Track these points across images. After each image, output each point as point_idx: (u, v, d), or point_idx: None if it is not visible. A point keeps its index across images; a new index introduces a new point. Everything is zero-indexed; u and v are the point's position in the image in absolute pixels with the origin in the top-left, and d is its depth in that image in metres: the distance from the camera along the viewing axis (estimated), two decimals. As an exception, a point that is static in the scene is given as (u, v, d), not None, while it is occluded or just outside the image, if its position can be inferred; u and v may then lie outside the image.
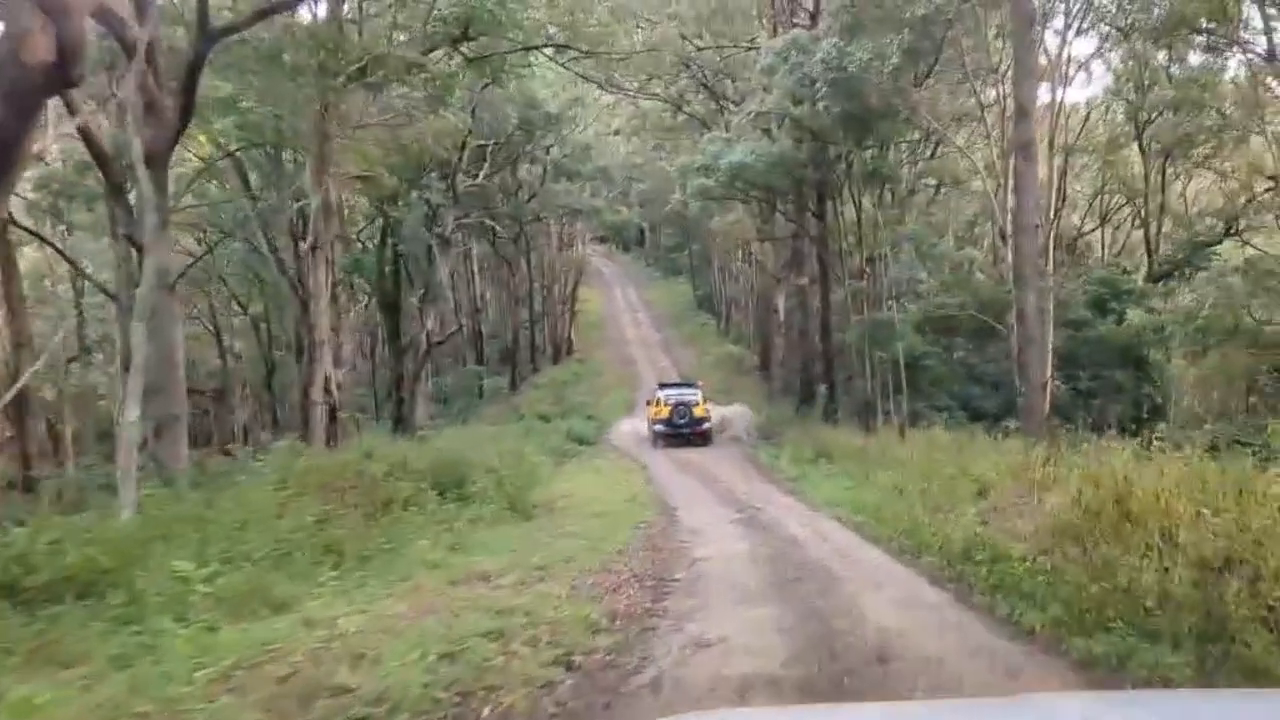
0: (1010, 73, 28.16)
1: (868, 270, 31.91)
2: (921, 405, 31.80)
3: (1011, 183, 28.17)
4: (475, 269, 56.80)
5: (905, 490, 16.94)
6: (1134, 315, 32.11)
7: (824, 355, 34.23)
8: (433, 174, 35.77)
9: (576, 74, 36.93)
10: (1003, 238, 28.40)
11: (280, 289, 32.64)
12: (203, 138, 23.76)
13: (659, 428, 31.83)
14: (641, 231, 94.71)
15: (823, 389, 33.39)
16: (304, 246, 25.00)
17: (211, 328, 44.51)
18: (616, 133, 51.52)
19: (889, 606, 9.00)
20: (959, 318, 30.73)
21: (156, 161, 19.18)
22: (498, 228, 47.94)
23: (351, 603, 9.51)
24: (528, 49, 25.94)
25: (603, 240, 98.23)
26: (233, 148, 22.06)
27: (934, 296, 31.44)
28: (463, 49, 24.85)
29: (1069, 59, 33.35)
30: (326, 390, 24.65)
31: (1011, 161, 25.14)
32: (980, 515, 12.43)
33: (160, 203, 19.45)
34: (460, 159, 33.87)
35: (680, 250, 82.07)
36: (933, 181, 39.05)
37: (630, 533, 14.62)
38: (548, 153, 46.61)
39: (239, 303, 42.70)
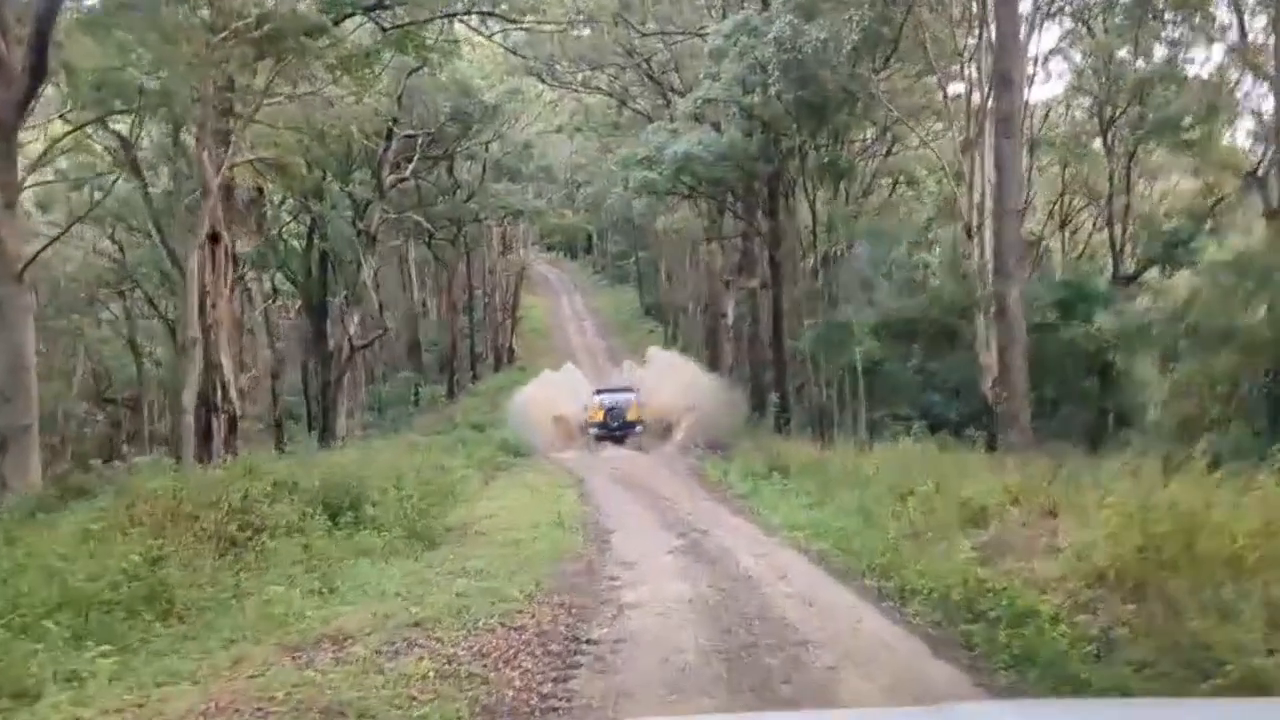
0: (975, 55, 25.93)
1: (822, 271, 29.43)
2: (880, 414, 29.38)
3: (974, 174, 25.93)
4: (413, 273, 53.74)
5: (874, 513, 14.41)
6: (1102, 319, 29.93)
7: (776, 362, 31.71)
8: (360, 168, 32.89)
9: (512, 53, 34.15)
10: (968, 233, 26.02)
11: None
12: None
13: (594, 430, 32.28)
14: (589, 238, 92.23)
15: (774, 398, 30.85)
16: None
17: (125, 332, 41.05)
18: (559, 130, 48.77)
19: (885, 698, 6.33)
20: (918, 321, 28.29)
21: (2, 128, 16.20)
22: (433, 229, 45.00)
23: (130, 689, 6.68)
24: (449, 16, 23.14)
25: (550, 248, 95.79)
26: (101, 115, 19.06)
27: (891, 300, 28.94)
28: (379, 18, 21.99)
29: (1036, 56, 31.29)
30: (225, 397, 21.70)
31: (981, 148, 22.79)
32: (979, 550, 9.83)
33: (7, 178, 16.44)
34: (386, 150, 31.02)
35: (628, 258, 79.53)
36: (888, 181, 36.73)
37: (549, 568, 11.85)
38: (486, 149, 43.80)
39: (151, 303, 39.33)
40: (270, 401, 35.50)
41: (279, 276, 39.74)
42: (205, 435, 21.56)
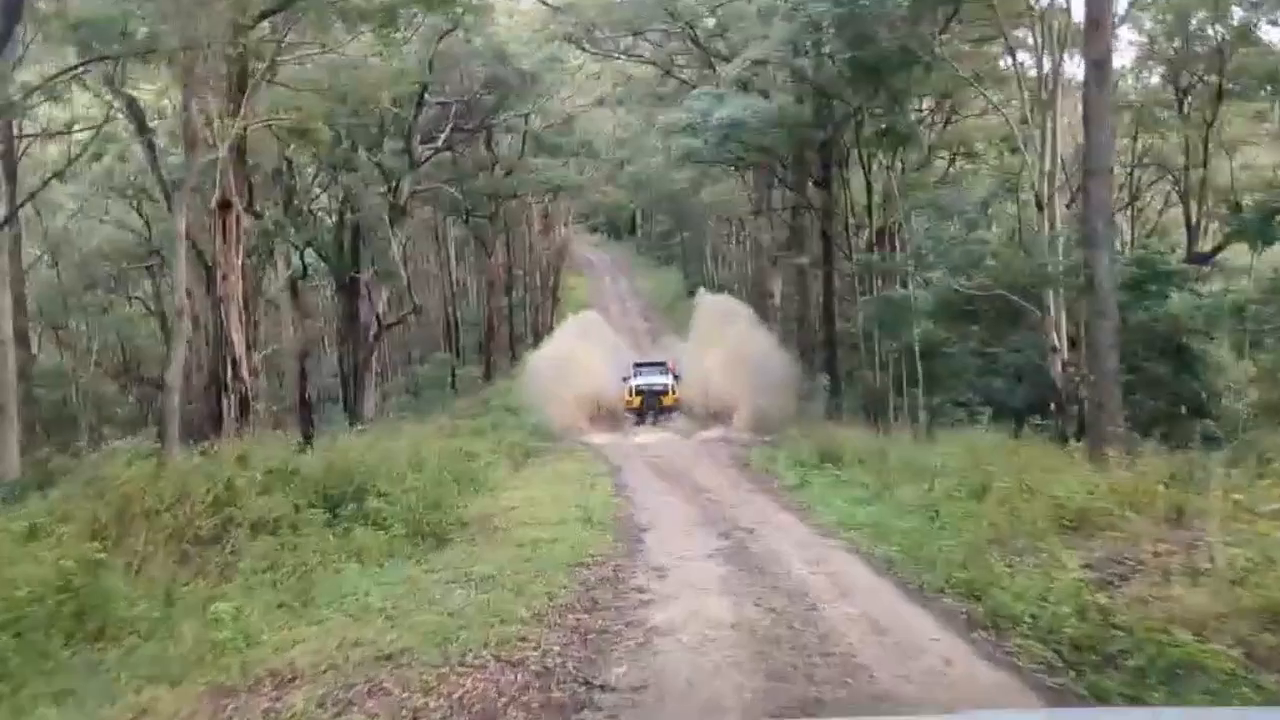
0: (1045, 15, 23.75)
1: (877, 247, 27.34)
2: (937, 400, 27.31)
3: (1045, 142, 23.75)
4: (451, 251, 52.21)
5: (944, 513, 12.52)
6: (1179, 299, 27.60)
7: (826, 343, 29.70)
8: (391, 137, 31.23)
9: (546, 3, 32.22)
10: (1038, 205, 23.85)
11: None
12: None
13: (630, 415, 30.96)
14: (633, 219, 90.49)
15: (824, 381, 28.83)
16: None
17: (154, 308, 39.86)
18: (600, 102, 46.90)
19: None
20: (979, 300, 26.07)
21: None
22: (470, 206, 43.33)
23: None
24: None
25: (594, 230, 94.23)
26: (85, 62, 17.42)
27: (951, 278, 26.72)
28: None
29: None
30: (236, 375, 20.14)
31: (1053, 113, 20.62)
32: (1091, 569, 7.89)
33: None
34: (416, 117, 29.32)
35: (672, 238, 77.60)
36: (946, 154, 34.47)
37: (567, 576, 10.05)
38: (526, 122, 42.02)
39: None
40: (299, 382, 34.03)
41: (310, 254, 38.43)
42: (215, 417, 20.05)
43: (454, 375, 46.20)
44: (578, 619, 8.25)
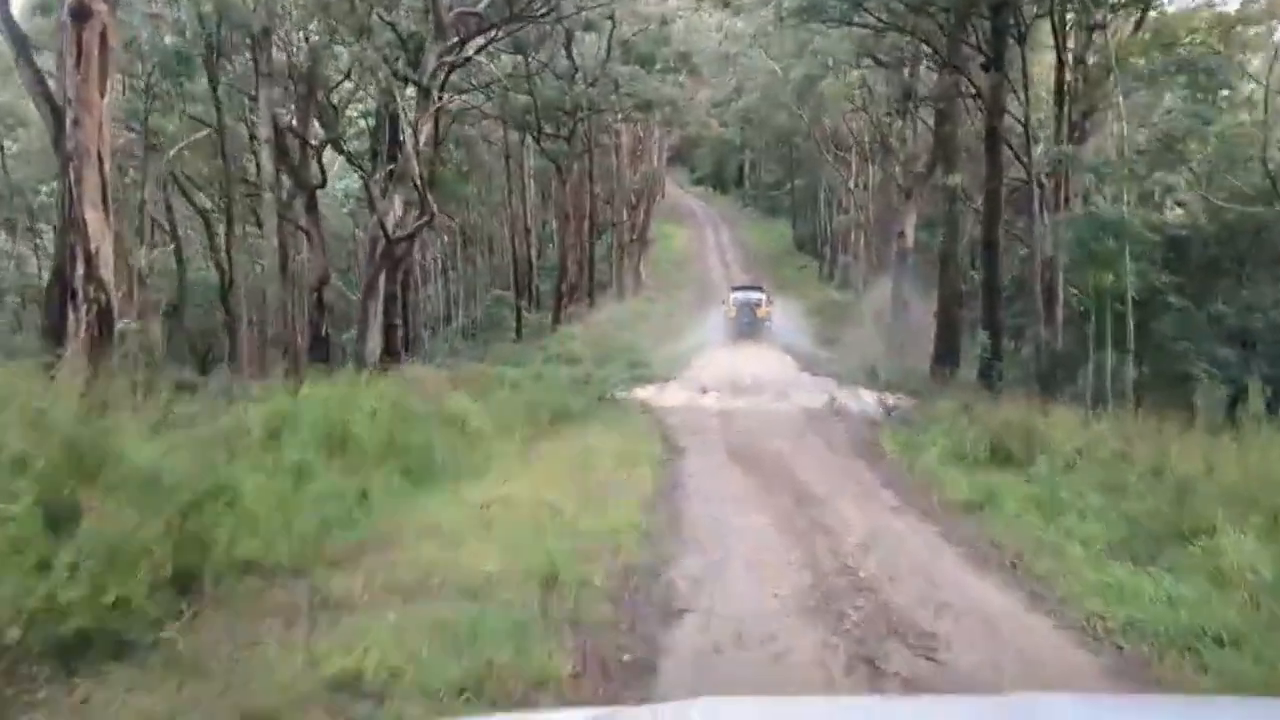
0: None
1: (1071, 146, 18.66)
2: (1149, 370, 18.75)
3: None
4: (529, 182, 44.59)
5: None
6: None
7: (986, 287, 21.14)
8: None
9: None
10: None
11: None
12: None
13: (729, 325, 33.55)
14: (740, 170, 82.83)
15: (984, 339, 20.27)
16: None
17: (167, 226, 33.26)
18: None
19: None
20: (1236, 232, 17.25)
21: None
22: (542, 120, 35.59)
23: None
24: None
25: (699, 181, 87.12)
26: None
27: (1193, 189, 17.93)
28: None
29: None
30: (91, 276, 12.76)
31: None
32: None
33: None
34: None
35: (781, 187, 69.30)
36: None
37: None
38: (612, 22, 33.92)
39: (182, 189, 31.32)
40: (315, 315, 26.92)
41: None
42: (56, 333, 12.85)
43: (519, 319, 38.70)
44: None
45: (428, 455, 10.86)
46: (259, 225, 32.79)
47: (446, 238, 46.09)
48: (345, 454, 10.49)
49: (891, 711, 2.26)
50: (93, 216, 12.74)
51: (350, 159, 26.99)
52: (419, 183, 20.44)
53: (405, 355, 33.32)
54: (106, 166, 13.27)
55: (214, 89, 24.77)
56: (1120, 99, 18.05)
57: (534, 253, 44.79)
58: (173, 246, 33.85)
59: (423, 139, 22.51)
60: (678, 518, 9.24)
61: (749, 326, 33.32)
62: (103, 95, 13.12)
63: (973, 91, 21.27)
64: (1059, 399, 18.57)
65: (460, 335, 41.59)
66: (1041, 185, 19.74)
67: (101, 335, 12.81)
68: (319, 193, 28.33)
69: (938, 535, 8.91)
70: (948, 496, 10.87)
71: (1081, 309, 21.43)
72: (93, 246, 12.67)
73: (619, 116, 40.26)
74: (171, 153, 28.30)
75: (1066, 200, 21.45)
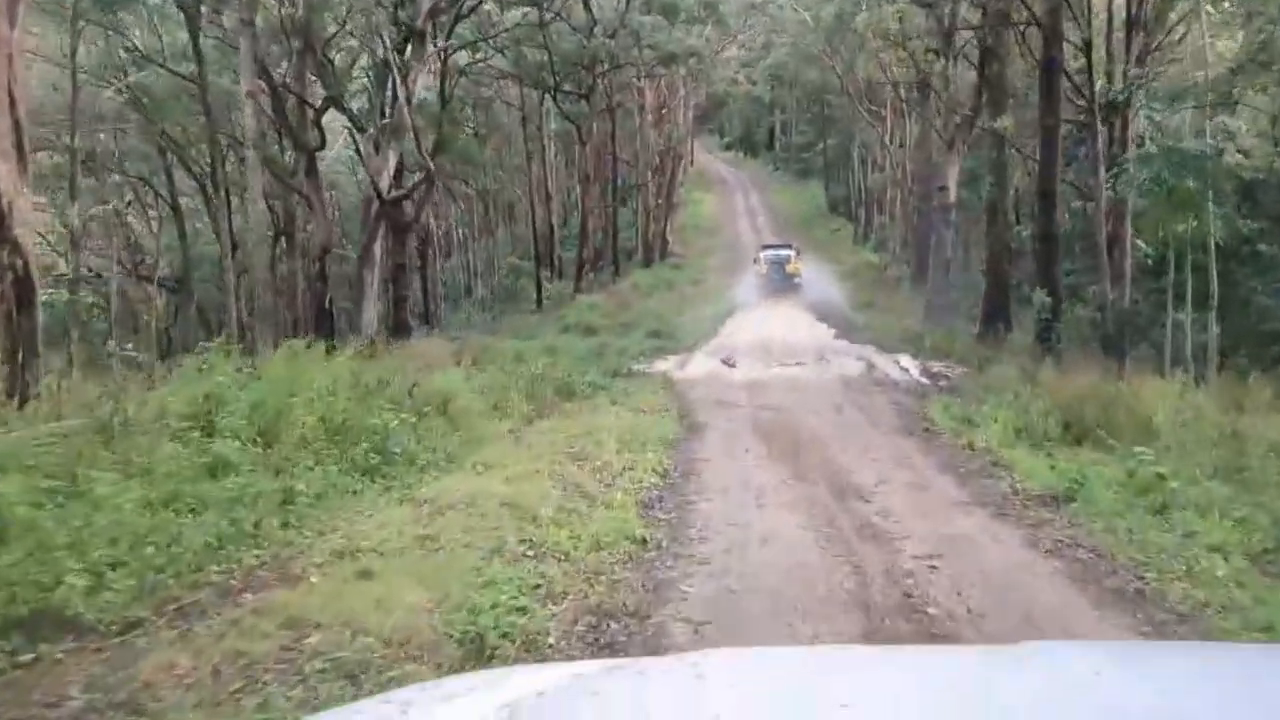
0: None
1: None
2: (1230, 330, 16.39)
3: None
4: (549, 145, 42.41)
5: None
6: None
7: (1044, 240, 18.76)
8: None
9: None
10: None
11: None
12: None
13: (758, 281, 33.84)
14: (771, 133, 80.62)
15: (1041, 298, 17.94)
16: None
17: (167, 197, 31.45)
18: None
19: None
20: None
21: None
22: (559, 76, 33.40)
23: None
24: None
25: (729, 147, 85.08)
26: None
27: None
28: None
29: None
30: (2, 238, 10.93)
31: None
32: None
33: None
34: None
35: (813, 148, 66.74)
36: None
37: None
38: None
39: (179, 157, 29.39)
40: (319, 286, 25.01)
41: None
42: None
43: (539, 289, 36.65)
44: None
45: (385, 443, 8.88)
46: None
47: (463, 205, 44.13)
48: (283, 443, 8.57)
49: (902, 661, 2.19)
50: (3, 169, 10.86)
51: (352, 119, 24.94)
52: (414, 136, 18.38)
53: (423, 328, 31.51)
54: (21, 110, 11.38)
55: (194, 39, 22.78)
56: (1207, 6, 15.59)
57: (556, 220, 42.69)
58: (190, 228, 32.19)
59: (419, 89, 20.40)
60: (685, 522, 7.19)
61: (780, 283, 33.33)
62: (12, 27, 11.25)
63: (1024, 21, 18.83)
64: (1129, 364, 16.37)
65: (480, 307, 39.64)
66: (1110, 122, 17.35)
67: (21, 307, 10.96)
68: (330, 160, 26.50)
69: (1023, 542, 6.79)
70: (1022, 485, 8.76)
71: (1149, 262, 19.10)
72: (4, 203, 10.77)
73: (641, 73, 37.86)
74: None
75: (1124, 144, 19.03)
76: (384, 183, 19.28)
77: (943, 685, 1.78)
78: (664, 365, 19.38)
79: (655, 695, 1.70)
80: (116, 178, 32.28)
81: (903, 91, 35.39)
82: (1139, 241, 19.04)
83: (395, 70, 18.48)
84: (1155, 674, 1.78)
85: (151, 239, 35.25)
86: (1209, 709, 1.55)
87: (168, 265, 34.93)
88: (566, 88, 35.57)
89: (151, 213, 35.55)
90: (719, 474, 9.12)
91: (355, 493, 7.93)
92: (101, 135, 29.82)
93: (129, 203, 35.38)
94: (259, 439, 8.49)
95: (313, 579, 5.22)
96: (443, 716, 1.63)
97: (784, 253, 35.58)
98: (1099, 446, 10.31)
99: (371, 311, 20.05)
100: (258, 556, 5.92)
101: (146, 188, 33.04)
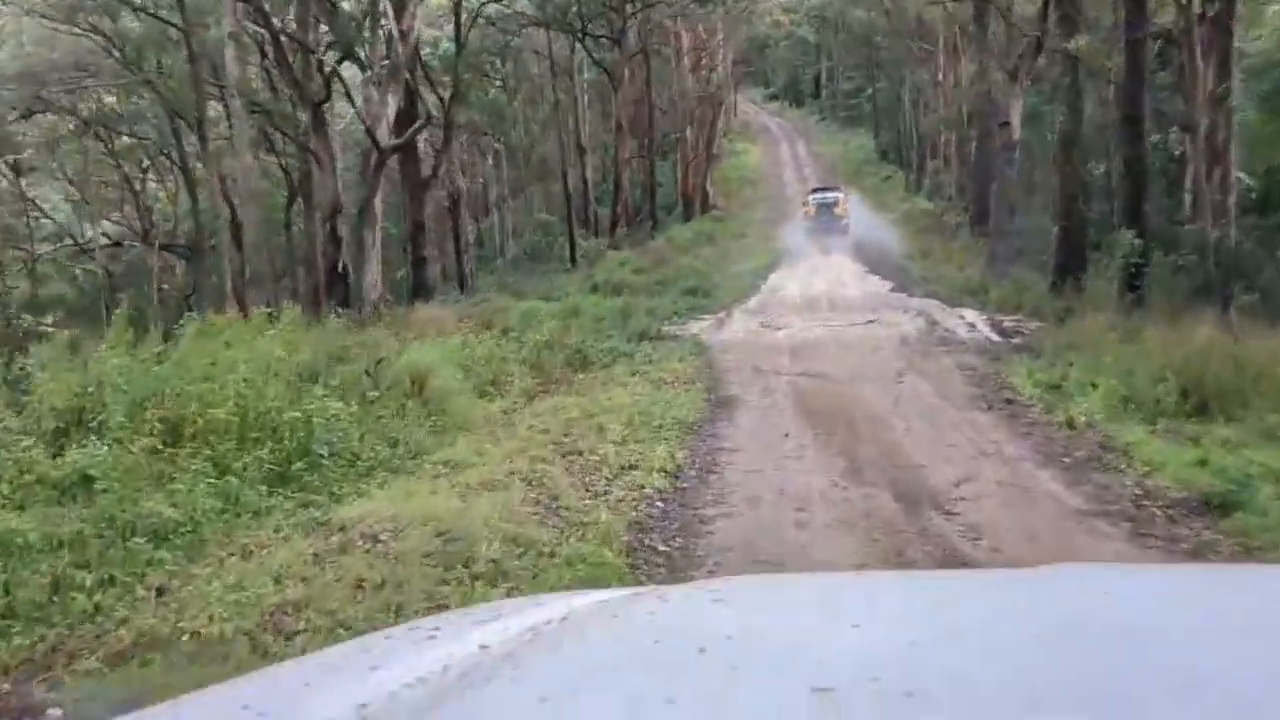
0: None
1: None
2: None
3: None
4: (581, 95, 39.97)
5: None
6: None
7: (1131, 173, 16.15)
8: None
9: None
10: None
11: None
12: None
13: (807, 224, 34.03)
14: (816, 81, 77.71)
15: (1129, 240, 15.38)
16: None
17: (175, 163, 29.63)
18: None
19: None
20: None
21: None
22: (585, 16, 31.00)
23: None
24: None
25: (774, 97, 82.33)
26: None
27: None
28: None
29: None
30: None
31: None
32: None
33: None
34: None
35: (861, 94, 63.72)
36: None
37: None
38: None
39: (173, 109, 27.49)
40: (329, 249, 23.04)
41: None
42: None
43: (573, 247, 34.48)
44: None
45: (310, 442, 6.81)
46: (271, 149, 29.16)
47: (491, 160, 41.99)
48: (181, 446, 6.54)
49: (915, 585, 2.21)
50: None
51: (363, 68, 22.84)
52: (412, 80, 16.25)
53: (453, 290, 29.54)
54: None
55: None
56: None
57: (592, 175, 40.36)
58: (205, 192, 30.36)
59: (417, 22, 18.17)
60: (692, 559, 5.02)
61: (829, 226, 33.51)
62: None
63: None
64: (1234, 315, 13.87)
65: (513, 267, 37.56)
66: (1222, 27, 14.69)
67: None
68: (351, 115, 24.47)
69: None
70: (1153, 483, 6.48)
71: (1252, 197, 16.48)
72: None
73: (676, 12, 35.30)
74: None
75: (1225, 59, 16.33)
76: (382, 131, 17.18)
77: (953, 606, 1.79)
78: (697, 327, 17.20)
79: (671, 618, 1.76)
80: (127, 139, 30.59)
81: (956, 25, 32.50)
82: (1240, 175, 16.43)
83: (399, 10, 16.30)
84: (1164, 594, 1.79)
85: (169, 205, 33.63)
86: (1217, 626, 1.47)
87: (183, 233, 33.25)
88: (597, 32, 33.15)
89: (169, 179, 33.91)
90: (747, 474, 6.95)
91: (258, 514, 5.88)
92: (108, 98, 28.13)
93: (146, 168, 33.79)
94: (164, 442, 6.49)
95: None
96: (470, 639, 1.60)
97: (832, 195, 35.85)
98: (1228, 421, 8.01)
99: (374, 274, 18.05)
100: (41, 638, 3.88)
101: (160, 153, 31.24)
